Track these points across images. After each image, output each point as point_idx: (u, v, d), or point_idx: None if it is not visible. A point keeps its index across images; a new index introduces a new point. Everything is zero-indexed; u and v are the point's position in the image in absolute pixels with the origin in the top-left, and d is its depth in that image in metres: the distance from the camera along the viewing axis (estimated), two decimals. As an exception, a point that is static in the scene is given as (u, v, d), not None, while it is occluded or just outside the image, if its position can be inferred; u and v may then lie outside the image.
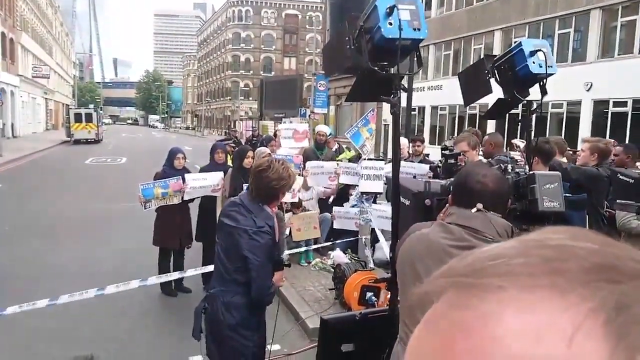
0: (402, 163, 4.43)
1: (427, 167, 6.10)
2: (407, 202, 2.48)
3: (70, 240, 8.31)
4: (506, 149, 4.56)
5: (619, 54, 18.42)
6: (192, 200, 5.93)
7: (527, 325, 0.34)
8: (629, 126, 17.70)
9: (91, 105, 50.29)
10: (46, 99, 51.38)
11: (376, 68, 2.13)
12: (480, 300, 0.36)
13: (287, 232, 6.41)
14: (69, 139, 35.04)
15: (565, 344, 0.33)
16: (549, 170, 2.30)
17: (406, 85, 2.49)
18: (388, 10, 2.03)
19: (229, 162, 7.35)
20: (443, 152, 3.20)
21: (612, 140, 5.88)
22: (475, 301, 0.37)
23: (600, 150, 4.43)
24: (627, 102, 17.84)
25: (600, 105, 18.90)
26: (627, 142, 9.40)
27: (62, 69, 65.28)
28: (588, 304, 0.34)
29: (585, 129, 19.01)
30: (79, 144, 33.29)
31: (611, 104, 18.45)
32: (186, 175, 5.75)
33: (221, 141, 9.43)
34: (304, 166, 6.85)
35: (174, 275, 5.77)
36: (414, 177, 4.72)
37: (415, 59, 2.34)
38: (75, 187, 14.60)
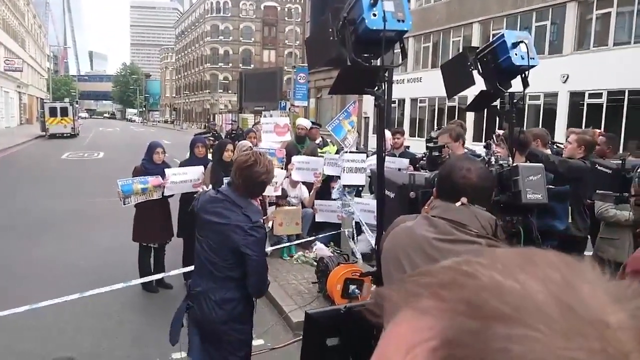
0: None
1: (407, 161, 6.12)
2: (392, 195, 2.48)
3: (48, 238, 8.14)
4: (490, 140, 4.57)
5: (594, 46, 18.74)
6: (172, 195, 5.85)
7: (394, 342, 0.38)
8: (604, 117, 18.04)
9: (67, 99, 49.37)
10: (19, 92, 50.20)
11: (360, 60, 2.10)
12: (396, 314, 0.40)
13: (270, 225, 6.38)
14: (44, 133, 34.34)
15: None
16: (536, 162, 2.32)
17: (387, 77, 2.48)
18: (372, 1, 2.00)
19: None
20: (428, 144, 3.20)
21: (598, 130, 5.94)
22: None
23: (587, 142, 4.48)
24: (602, 93, 18.17)
25: (576, 97, 19.22)
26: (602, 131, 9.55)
27: (36, 62, 63.79)
28: (430, 331, 0.36)
29: (562, 120, 19.33)
30: (54, 139, 32.63)
31: (587, 95, 18.78)
32: (166, 170, 5.67)
33: (200, 134, 9.30)
34: (287, 160, 6.82)
35: (158, 276, 5.71)
36: (399, 169, 4.72)
37: (400, 50, 2.32)
38: (52, 183, 14.30)
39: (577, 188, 3.84)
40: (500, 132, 3.81)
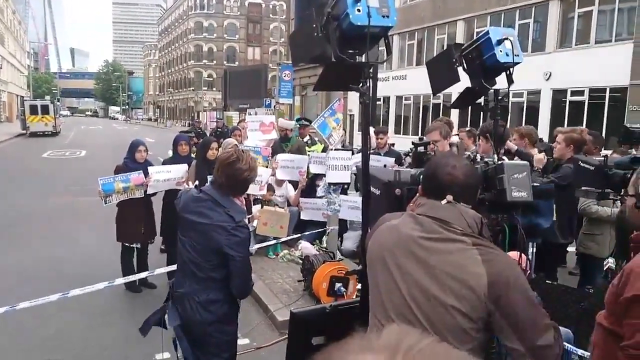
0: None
1: (392, 160, 6.12)
2: (378, 192, 2.45)
3: (28, 238, 8.00)
4: (478, 139, 4.57)
5: (576, 44, 18.96)
6: (154, 193, 5.77)
7: None
8: (586, 114, 18.29)
9: (48, 97, 48.58)
10: (-1, 90, 49.32)
11: (345, 56, 2.08)
12: None
13: (254, 224, 6.34)
14: (24, 132, 33.82)
15: None
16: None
17: (371, 74, 2.46)
18: (356, -4, 1.98)
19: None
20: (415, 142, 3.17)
21: (583, 128, 5.98)
22: None
23: (575, 140, 4.49)
24: (584, 91, 18.41)
25: (558, 94, 19.45)
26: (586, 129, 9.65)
27: (16, 59, 62.69)
28: None
29: (544, 117, 19.55)
30: (35, 137, 32.16)
31: (569, 93, 19.01)
32: (150, 169, 5.59)
33: (184, 132, 9.20)
34: (273, 158, 6.78)
35: (141, 275, 5.63)
36: (385, 166, 4.71)
37: (385, 47, 2.30)
38: (33, 182, 14.07)
39: (572, 189, 3.82)
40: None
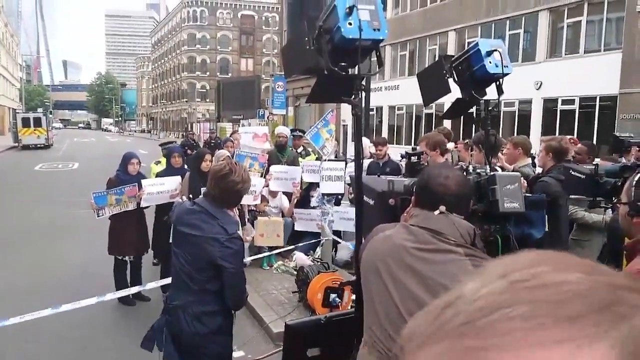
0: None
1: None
2: (372, 202, 2.47)
3: (20, 252, 7.93)
4: (471, 149, 4.58)
5: (566, 54, 19.17)
6: (148, 206, 5.75)
7: None
8: (577, 123, 18.45)
9: (40, 109, 48.40)
10: (-9, 103, 49.11)
11: (337, 69, 2.10)
12: None
13: (249, 238, 6.32)
14: (16, 144, 33.64)
15: None
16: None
17: (364, 85, 2.48)
18: (347, 10, 2.00)
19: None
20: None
21: (569, 137, 6.00)
22: None
23: (553, 148, 4.50)
24: (574, 99, 18.58)
25: (549, 103, 19.62)
26: (576, 138, 9.73)
27: (8, 72, 62.48)
28: (612, 353, 0.31)
29: (536, 126, 19.70)
30: (27, 150, 31.98)
31: (560, 102, 19.18)
32: (143, 181, 5.57)
33: (166, 144, 8.91)
34: (269, 168, 6.79)
35: (135, 289, 5.58)
36: (378, 175, 4.72)
37: (376, 59, 2.32)
38: (25, 194, 13.97)
39: (555, 210, 3.81)
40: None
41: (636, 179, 1.87)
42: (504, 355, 0.33)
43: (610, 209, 3.83)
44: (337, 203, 6.90)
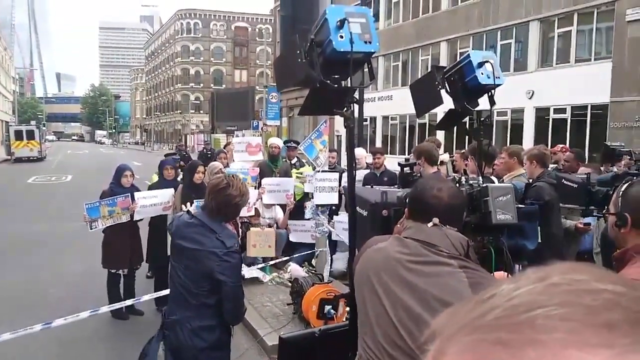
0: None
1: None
2: (365, 213, 2.47)
3: (12, 265, 7.85)
4: (466, 159, 4.60)
5: (557, 63, 19.34)
6: (141, 219, 5.72)
7: None
8: (569, 131, 18.57)
9: (33, 122, 48.19)
10: (-17, 116, 48.90)
11: (328, 81, 2.10)
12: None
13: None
14: (9, 157, 33.49)
15: None
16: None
17: (357, 97, 2.49)
18: (339, 23, 2.01)
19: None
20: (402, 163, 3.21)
21: (563, 146, 6.04)
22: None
23: (535, 156, 4.52)
24: (566, 108, 18.73)
25: (541, 112, 19.75)
26: (567, 146, 9.80)
27: (1, 85, 62.33)
28: None
29: (529, 135, 19.81)
30: (20, 163, 31.83)
31: (552, 111, 19.32)
32: (136, 194, 5.54)
33: (169, 154, 9.10)
34: (260, 179, 6.77)
35: (128, 302, 5.53)
36: (372, 186, 4.73)
37: (367, 71, 2.33)
38: (18, 207, 13.88)
39: (546, 212, 3.80)
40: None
41: (622, 189, 1.87)
42: (540, 351, 0.33)
43: (602, 218, 3.84)
44: (331, 214, 6.89)
